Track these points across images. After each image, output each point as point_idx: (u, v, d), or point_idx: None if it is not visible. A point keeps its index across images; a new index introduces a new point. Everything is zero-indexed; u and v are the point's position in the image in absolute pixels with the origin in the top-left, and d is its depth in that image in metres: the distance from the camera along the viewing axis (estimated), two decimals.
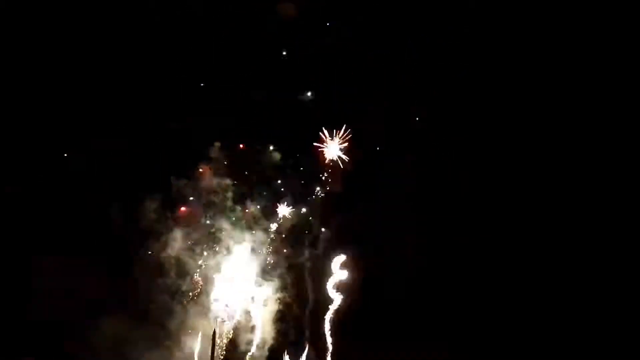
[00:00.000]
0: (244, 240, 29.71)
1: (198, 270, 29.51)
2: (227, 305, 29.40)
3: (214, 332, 28.49)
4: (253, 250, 29.80)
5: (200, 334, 29.13)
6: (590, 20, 30.89)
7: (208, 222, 29.46)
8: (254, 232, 29.83)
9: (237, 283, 29.50)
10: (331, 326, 29.97)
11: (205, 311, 29.46)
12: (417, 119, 31.62)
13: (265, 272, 29.96)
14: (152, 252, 28.81)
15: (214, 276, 29.53)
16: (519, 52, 31.43)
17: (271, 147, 30.14)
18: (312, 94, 30.30)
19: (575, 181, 31.65)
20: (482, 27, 31.18)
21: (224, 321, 29.41)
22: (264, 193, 29.99)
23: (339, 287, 29.89)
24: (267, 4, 29.77)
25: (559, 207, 31.65)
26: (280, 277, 30.03)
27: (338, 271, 29.83)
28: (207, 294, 29.55)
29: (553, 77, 31.51)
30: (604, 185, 31.47)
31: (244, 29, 29.87)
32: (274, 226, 30.14)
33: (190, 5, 29.62)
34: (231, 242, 29.64)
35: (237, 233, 29.64)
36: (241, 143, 29.77)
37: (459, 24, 31.18)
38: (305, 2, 30.00)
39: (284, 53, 30.27)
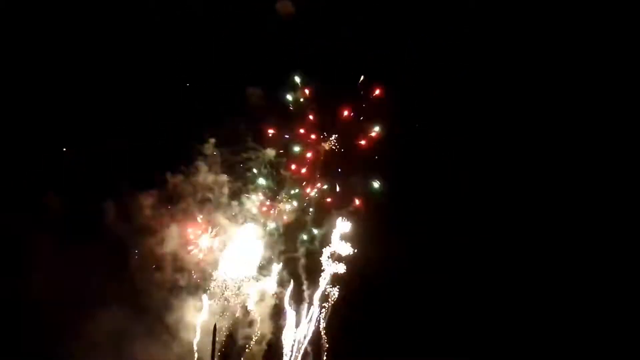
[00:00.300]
0: (242, 235, 29.95)
1: (196, 265, 29.80)
2: (226, 300, 29.72)
3: (215, 327, 28.58)
4: (250, 245, 30.00)
5: (198, 329, 29.43)
6: (590, 20, 30.81)
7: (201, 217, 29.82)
8: (251, 227, 30.09)
9: (235, 278, 29.70)
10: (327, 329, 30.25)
11: (203, 306, 29.74)
12: (416, 125, 31.65)
13: (263, 268, 30.20)
14: (150, 247, 29.13)
15: (212, 271, 29.79)
16: (519, 52, 31.35)
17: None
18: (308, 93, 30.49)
19: (575, 182, 31.57)
20: (482, 27, 31.12)
21: (222, 316, 29.75)
22: (261, 189, 30.34)
23: (336, 284, 30.17)
24: (267, 3, 30.04)
25: (565, 212, 31.47)
26: (278, 272, 30.29)
27: (334, 266, 30.06)
28: (206, 289, 29.83)
29: (553, 77, 31.43)
30: (603, 185, 31.36)
31: (243, 28, 30.18)
32: (271, 222, 30.45)
33: (190, 5, 29.95)
34: (228, 238, 29.92)
35: (234, 229, 29.93)
36: (237, 140, 30.07)
37: (459, 24, 31.19)
38: (305, 2, 30.20)
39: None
